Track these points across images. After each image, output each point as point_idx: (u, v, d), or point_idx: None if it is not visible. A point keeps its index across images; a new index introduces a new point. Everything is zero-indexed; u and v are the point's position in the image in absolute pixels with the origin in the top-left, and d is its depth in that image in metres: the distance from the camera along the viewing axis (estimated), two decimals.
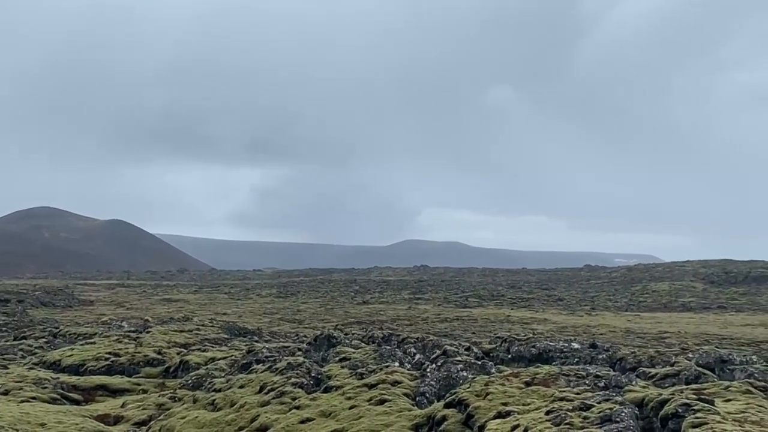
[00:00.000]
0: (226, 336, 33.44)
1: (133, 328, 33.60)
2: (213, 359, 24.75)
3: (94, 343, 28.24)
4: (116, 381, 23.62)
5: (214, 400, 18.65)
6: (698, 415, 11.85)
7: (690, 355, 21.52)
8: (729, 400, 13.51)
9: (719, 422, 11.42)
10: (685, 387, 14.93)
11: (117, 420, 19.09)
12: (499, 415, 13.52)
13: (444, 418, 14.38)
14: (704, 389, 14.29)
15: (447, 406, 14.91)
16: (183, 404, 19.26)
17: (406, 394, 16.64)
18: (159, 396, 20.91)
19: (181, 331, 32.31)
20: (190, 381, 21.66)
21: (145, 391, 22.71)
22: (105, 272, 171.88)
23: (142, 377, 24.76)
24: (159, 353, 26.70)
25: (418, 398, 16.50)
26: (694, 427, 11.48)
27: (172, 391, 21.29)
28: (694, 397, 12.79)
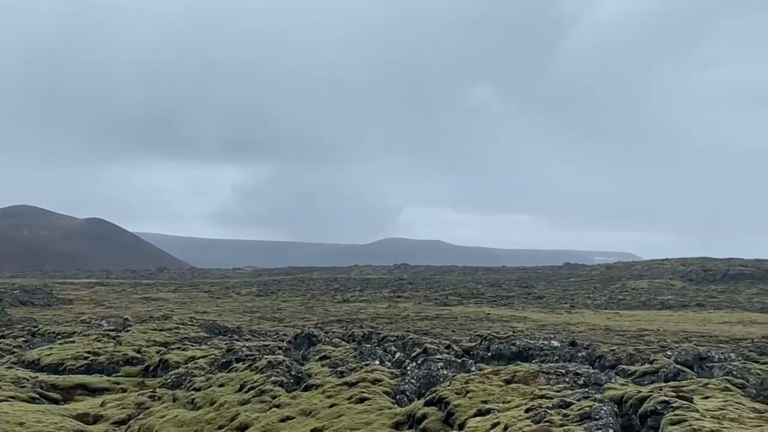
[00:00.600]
0: (206, 335, 33.34)
1: (112, 327, 33.44)
2: (193, 358, 24.67)
3: (73, 342, 28.09)
4: (95, 380, 23.50)
5: (194, 398, 18.59)
6: (677, 412, 11.91)
7: (669, 353, 21.60)
8: (707, 398, 13.59)
9: (698, 419, 11.48)
10: (664, 384, 15.02)
11: (96, 419, 19.00)
12: (480, 413, 13.55)
13: (424, 416, 14.39)
14: (683, 387, 14.38)
15: (427, 404, 14.92)
16: (162, 403, 19.19)
17: (386, 393, 16.64)
18: (138, 395, 20.81)
19: (161, 330, 32.19)
20: (169, 380, 21.58)
21: (124, 390, 22.60)
22: (84, 271, 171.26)
23: (121, 376, 24.65)
24: (138, 352, 26.60)
25: (398, 396, 16.50)
26: (673, 424, 11.53)
27: (151, 390, 21.20)
28: (673, 394, 12.86)
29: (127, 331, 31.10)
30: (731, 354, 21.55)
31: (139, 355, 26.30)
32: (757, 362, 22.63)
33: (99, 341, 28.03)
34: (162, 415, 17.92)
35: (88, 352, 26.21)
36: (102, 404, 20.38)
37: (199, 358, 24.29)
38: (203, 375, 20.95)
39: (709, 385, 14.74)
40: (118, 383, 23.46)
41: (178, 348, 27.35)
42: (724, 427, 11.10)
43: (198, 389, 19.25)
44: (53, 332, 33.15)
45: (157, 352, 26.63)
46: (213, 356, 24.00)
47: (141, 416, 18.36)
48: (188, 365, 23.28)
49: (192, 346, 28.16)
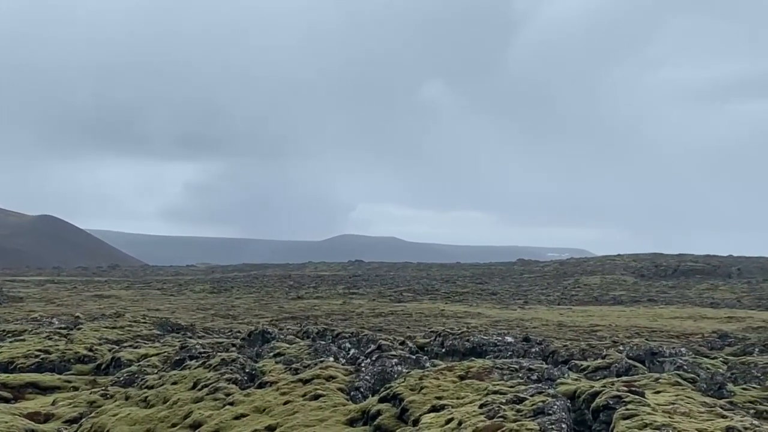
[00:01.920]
0: (158, 332, 33.07)
1: (63, 325, 33.06)
2: (145, 356, 24.47)
3: (23, 340, 27.74)
4: (46, 378, 23.23)
5: (147, 396, 18.45)
6: (629, 406, 12.02)
7: (621, 348, 21.81)
8: (659, 392, 13.74)
9: (649, 414, 11.60)
10: (616, 379, 15.15)
11: (47, 418, 18.78)
12: (434, 409, 13.58)
13: (379, 413, 14.40)
14: (635, 381, 14.51)
15: (382, 400, 14.93)
16: (115, 401, 19.01)
17: (340, 389, 16.62)
18: (90, 393, 20.59)
19: (113, 328, 31.91)
20: (122, 378, 21.39)
21: (76, 389, 22.36)
22: (35, 268, 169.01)
23: (73, 374, 24.39)
24: (90, 350, 26.33)
25: (352, 393, 16.49)
26: (625, 418, 11.64)
27: (103, 388, 20.98)
28: (625, 389, 12.98)
29: (78, 329, 30.78)
30: (682, 349, 21.80)
31: (91, 354, 26.04)
32: (707, 357, 22.92)
33: (50, 339, 27.72)
34: (114, 413, 17.76)
35: (39, 351, 25.91)
36: (53, 403, 20.15)
37: (151, 356, 24.10)
38: (156, 373, 20.79)
39: (660, 380, 14.90)
40: (69, 381, 23.20)
41: (131, 346, 27.11)
42: (675, 421, 11.22)
43: (151, 387, 19.10)
44: (3, 330, 32.70)
45: (109, 350, 26.37)
46: (166, 354, 23.82)
47: (93, 415, 18.17)
48: (141, 363, 23.09)
49: (145, 343, 27.92)
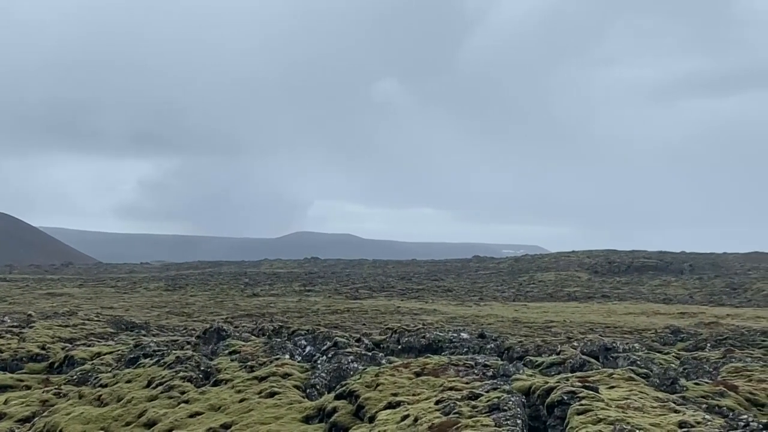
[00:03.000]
0: (112, 330, 32.83)
1: (15, 323, 32.70)
2: (99, 354, 24.27)
3: None
4: None
5: (101, 395, 18.30)
6: (583, 402, 12.13)
7: (575, 344, 22.00)
8: (612, 387, 13.86)
9: (603, 409, 11.71)
10: (570, 375, 15.27)
11: None
12: (390, 406, 13.60)
13: (335, 410, 14.39)
14: (589, 377, 14.63)
15: (338, 397, 14.93)
16: (68, 400, 18.83)
17: (296, 387, 16.60)
18: (43, 392, 20.38)
19: (66, 326, 31.61)
20: (75, 376, 21.20)
21: (28, 388, 22.12)
22: None
23: (25, 373, 24.13)
24: (43, 348, 26.07)
25: (308, 390, 16.48)
26: (579, 414, 11.73)
27: (56, 387, 20.78)
28: (579, 384, 13.09)
29: (31, 327, 30.45)
30: (635, 344, 22.03)
31: (43, 352, 25.78)
32: (660, 352, 23.21)
33: (2, 338, 27.41)
34: (67, 412, 17.59)
35: None
36: (5, 402, 19.92)
37: (105, 355, 23.90)
38: (110, 371, 20.62)
39: (614, 375, 15.03)
40: (21, 380, 22.95)
41: (84, 344, 26.88)
42: (629, 416, 11.33)
43: (105, 386, 18.95)
44: None
45: (63, 349, 26.12)
46: (120, 352, 23.63)
47: (46, 414, 17.99)
48: (94, 362, 22.89)
49: (98, 342, 27.71)
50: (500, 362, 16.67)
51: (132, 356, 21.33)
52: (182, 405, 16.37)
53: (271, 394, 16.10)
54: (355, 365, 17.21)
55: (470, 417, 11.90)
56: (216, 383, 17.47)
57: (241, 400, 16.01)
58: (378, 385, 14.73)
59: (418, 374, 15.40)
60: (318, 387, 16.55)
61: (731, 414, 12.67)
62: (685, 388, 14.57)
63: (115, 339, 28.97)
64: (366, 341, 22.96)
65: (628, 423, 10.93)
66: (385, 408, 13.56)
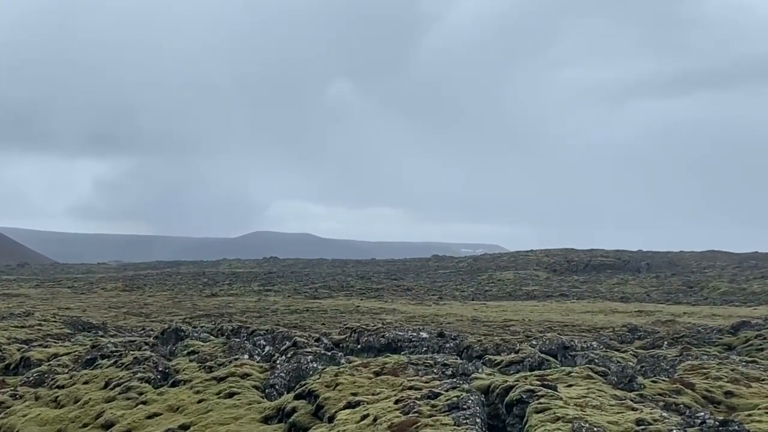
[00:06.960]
0: (69, 331, 32.50)
1: None
2: (56, 355, 24.02)
3: None
4: None
5: (57, 396, 18.12)
6: (542, 400, 12.19)
7: (534, 342, 22.06)
8: (571, 386, 13.94)
9: (562, 407, 11.77)
10: (529, 373, 15.34)
11: None
12: (349, 405, 13.59)
13: (294, 410, 14.36)
14: (547, 375, 14.72)
15: (297, 397, 14.89)
16: (24, 402, 18.63)
17: (255, 387, 16.54)
18: None
19: (22, 327, 31.27)
20: (31, 378, 20.96)
21: None
22: None
23: None
24: None
25: (267, 390, 16.42)
26: (538, 412, 11.79)
27: (12, 388, 20.56)
28: (538, 383, 13.15)
29: None
30: (593, 343, 22.17)
31: None
32: (618, 350, 23.38)
33: None
34: (24, 414, 17.41)
35: None
36: None
37: (62, 356, 23.66)
38: (67, 372, 20.42)
39: (572, 374, 15.13)
40: None
41: (41, 345, 26.59)
42: (587, 414, 11.41)
43: (61, 387, 18.77)
44: None
45: (18, 350, 25.83)
46: (77, 353, 23.40)
47: (2, 416, 17.79)
48: (51, 363, 22.65)
49: (55, 343, 27.42)
50: (459, 361, 16.73)
51: (89, 357, 21.13)
52: (140, 406, 16.25)
53: (230, 395, 16.03)
54: (315, 365, 17.17)
55: (430, 416, 11.92)
56: (174, 384, 17.35)
57: (200, 401, 15.92)
58: (337, 384, 14.72)
59: (377, 374, 15.40)
60: (277, 387, 16.50)
61: (688, 411, 12.81)
62: (642, 386, 14.70)
63: (72, 340, 28.67)
64: (325, 341, 22.91)
65: (586, 421, 11.00)
66: (345, 408, 13.55)
